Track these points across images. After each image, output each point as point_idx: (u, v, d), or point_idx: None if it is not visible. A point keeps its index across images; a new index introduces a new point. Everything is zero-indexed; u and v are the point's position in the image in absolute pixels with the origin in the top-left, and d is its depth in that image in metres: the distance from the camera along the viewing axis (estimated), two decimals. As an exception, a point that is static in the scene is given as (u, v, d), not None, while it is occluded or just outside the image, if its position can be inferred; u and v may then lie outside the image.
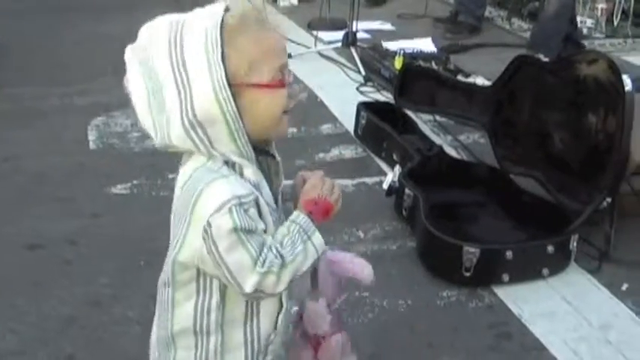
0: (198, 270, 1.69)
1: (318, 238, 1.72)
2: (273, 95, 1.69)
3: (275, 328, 1.80)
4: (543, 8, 5.65)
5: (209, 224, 1.59)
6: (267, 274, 1.63)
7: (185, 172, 1.69)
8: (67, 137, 4.49)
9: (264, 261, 1.62)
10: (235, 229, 1.60)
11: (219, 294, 1.72)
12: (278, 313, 1.79)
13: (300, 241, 1.69)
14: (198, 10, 1.68)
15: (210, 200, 1.60)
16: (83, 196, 3.97)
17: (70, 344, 2.90)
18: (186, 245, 1.66)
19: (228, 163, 1.66)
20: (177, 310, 1.75)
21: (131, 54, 1.67)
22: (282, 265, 1.65)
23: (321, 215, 1.75)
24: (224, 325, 1.75)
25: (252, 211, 1.64)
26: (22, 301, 3.15)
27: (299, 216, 1.73)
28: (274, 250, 1.65)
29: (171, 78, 1.61)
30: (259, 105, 1.67)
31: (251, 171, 1.68)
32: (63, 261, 3.42)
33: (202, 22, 1.63)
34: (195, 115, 1.61)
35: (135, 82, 1.66)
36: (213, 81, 1.60)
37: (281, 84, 1.69)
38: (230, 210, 1.59)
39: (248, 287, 1.63)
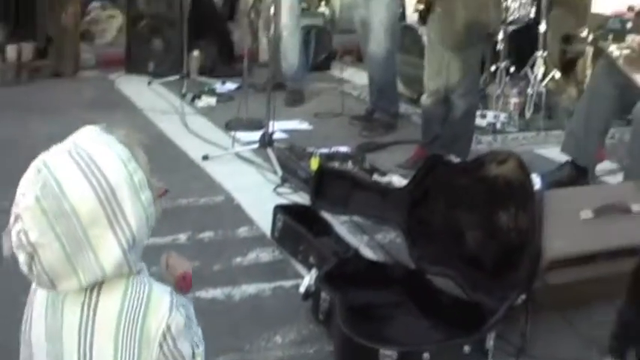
0: None
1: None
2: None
3: None
4: (451, 111, 5.68)
5: (168, 327, 1.67)
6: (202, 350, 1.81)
7: (110, 305, 1.68)
8: None
9: (197, 343, 1.79)
10: (187, 320, 1.72)
11: None
12: None
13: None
14: (82, 139, 1.68)
15: (159, 308, 1.68)
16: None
17: None
18: None
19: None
20: None
21: (32, 204, 1.61)
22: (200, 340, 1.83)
23: (189, 286, 1.97)
24: None
25: None
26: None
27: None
28: (194, 327, 1.81)
29: (100, 213, 1.61)
30: (157, 210, 1.76)
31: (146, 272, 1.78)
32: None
33: (109, 150, 1.65)
34: (134, 238, 1.65)
35: (41, 233, 1.61)
36: (142, 201, 1.66)
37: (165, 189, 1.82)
38: (177, 307, 1.70)
39: None
